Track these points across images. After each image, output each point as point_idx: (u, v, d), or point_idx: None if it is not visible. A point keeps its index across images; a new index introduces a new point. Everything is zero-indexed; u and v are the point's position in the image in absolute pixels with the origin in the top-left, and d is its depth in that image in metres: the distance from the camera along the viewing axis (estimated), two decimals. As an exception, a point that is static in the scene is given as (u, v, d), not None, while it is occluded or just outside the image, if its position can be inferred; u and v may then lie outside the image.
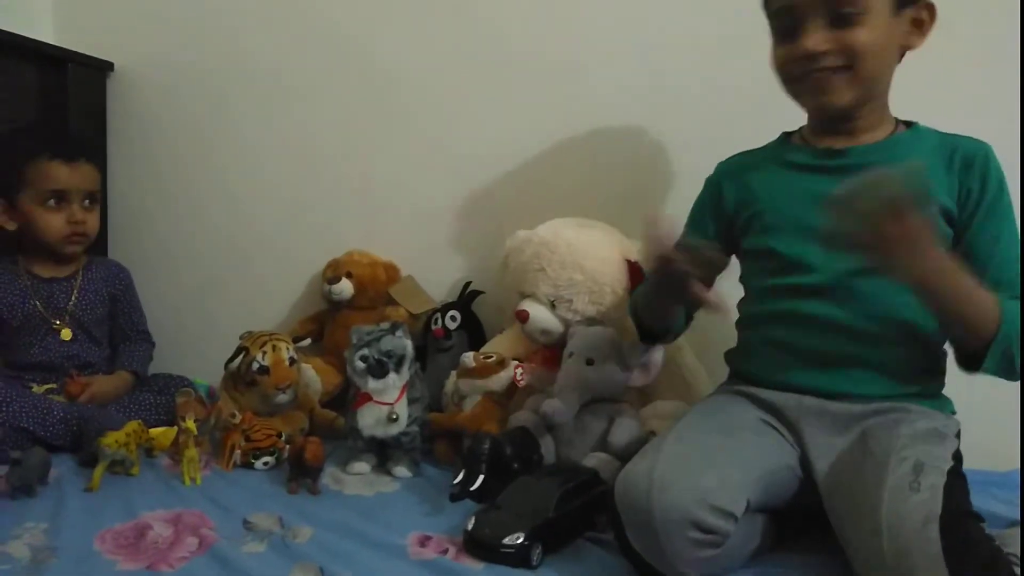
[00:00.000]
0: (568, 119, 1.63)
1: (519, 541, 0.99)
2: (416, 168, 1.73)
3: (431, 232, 1.74)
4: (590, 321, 1.36)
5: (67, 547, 0.99)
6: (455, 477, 1.17)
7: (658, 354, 1.27)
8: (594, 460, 1.21)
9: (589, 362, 1.26)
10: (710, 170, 1.26)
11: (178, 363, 1.75)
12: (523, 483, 1.10)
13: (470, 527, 1.03)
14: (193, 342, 1.83)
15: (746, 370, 1.17)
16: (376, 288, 1.68)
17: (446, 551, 1.03)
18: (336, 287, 1.65)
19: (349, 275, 1.67)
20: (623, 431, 1.24)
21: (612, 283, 1.36)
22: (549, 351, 1.44)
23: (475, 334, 1.65)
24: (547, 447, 1.28)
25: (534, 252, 1.40)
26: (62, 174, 1.48)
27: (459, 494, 1.14)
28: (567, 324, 1.39)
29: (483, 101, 1.67)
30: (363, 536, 1.06)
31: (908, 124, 1.13)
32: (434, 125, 1.70)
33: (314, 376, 1.60)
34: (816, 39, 1.03)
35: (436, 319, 1.64)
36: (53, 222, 1.49)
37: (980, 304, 0.95)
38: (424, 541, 1.06)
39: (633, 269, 1.36)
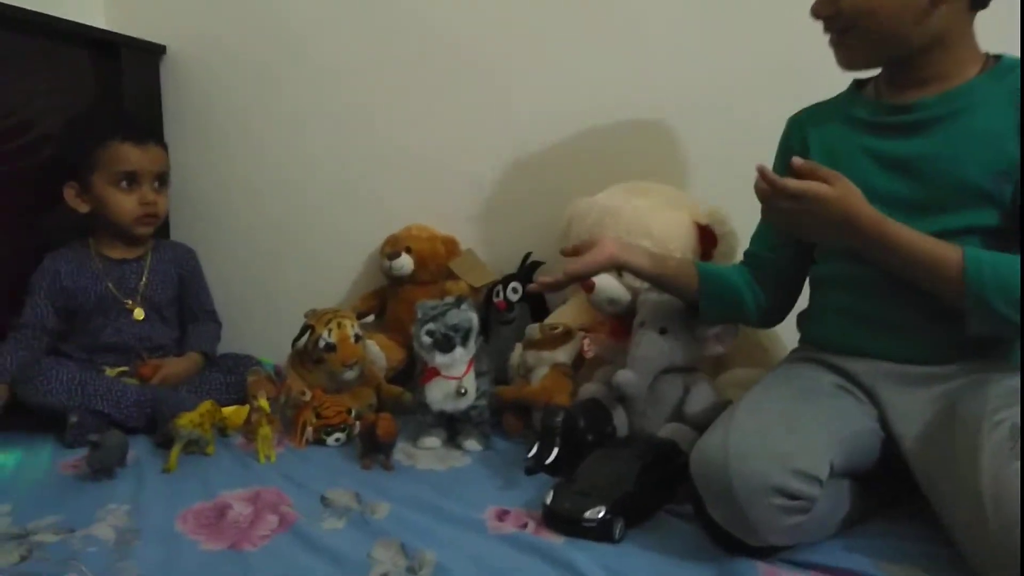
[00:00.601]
0: (629, 83, 1.57)
1: (601, 515, 0.96)
2: (472, 138, 1.69)
3: (489, 204, 1.71)
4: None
5: (150, 528, 1.00)
6: (528, 450, 1.15)
7: (731, 325, 1.22)
8: (670, 430, 1.18)
9: (662, 331, 1.22)
10: (778, 128, 1.19)
11: (240, 343, 1.76)
12: (601, 456, 1.07)
13: (549, 501, 1.01)
14: (254, 322, 1.84)
15: (816, 335, 1.12)
16: (436, 262, 1.66)
17: (525, 525, 1.01)
18: (396, 262, 1.64)
19: (408, 250, 1.65)
20: (699, 400, 1.20)
21: (682, 248, 1.31)
22: (616, 321, 1.40)
23: (537, 306, 1.62)
24: (619, 419, 1.24)
25: (597, 219, 1.36)
26: (133, 156, 1.50)
27: (534, 468, 1.12)
28: (635, 292, 1.34)
29: (541, 66, 1.63)
30: (440, 511, 1.05)
31: (998, 58, 1.03)
32: (490, 93, 1.67)
33: (379, 352, 1.59)
34: (818, 5, 1.02)
35: (497, 291, 1.61)
36: (125, 203, 1.51)
37: (935, 262, 0.92)
38: (502, 515, 1.05)
39: (703, 233, 1.31)
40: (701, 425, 1.18)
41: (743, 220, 1.28)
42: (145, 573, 0.88)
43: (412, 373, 1.64)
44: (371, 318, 1.65)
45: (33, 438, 1.35)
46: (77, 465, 1.22)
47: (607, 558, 0.92)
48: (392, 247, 1.67)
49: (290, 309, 1.61)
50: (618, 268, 1.19)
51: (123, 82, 1.73)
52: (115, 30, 1.74)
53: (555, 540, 0.97)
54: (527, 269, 1.63)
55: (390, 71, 1.71)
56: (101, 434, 1.17)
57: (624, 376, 1.19)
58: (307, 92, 1.77)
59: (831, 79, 1.10)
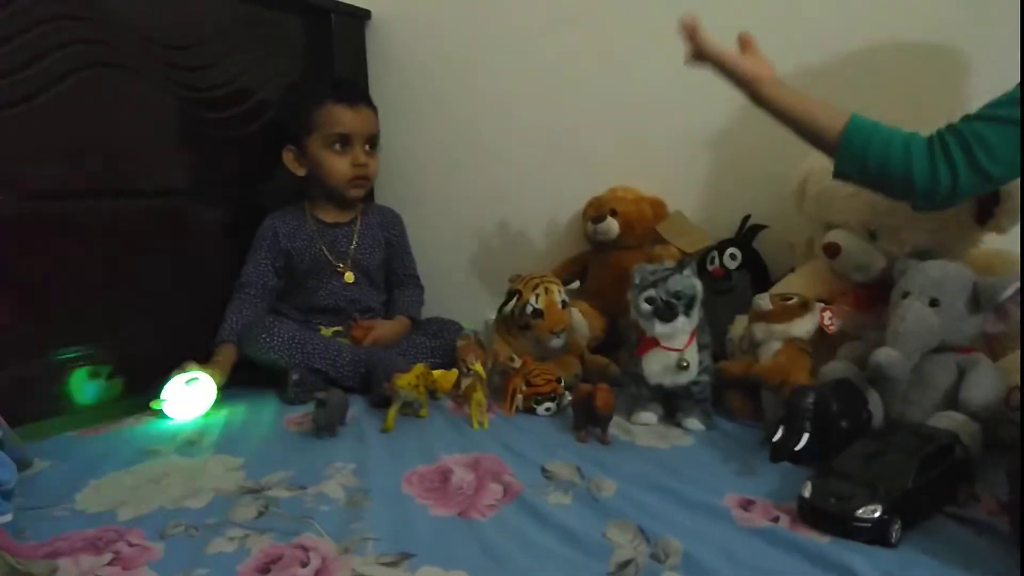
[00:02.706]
0: (874, 22, 1.37)
1: (876, 515, 0.82)
2: (682, 90, 1.54)
3: (700, 161, 1.57)
4: (922, 254, 1.13)
5: (378, 489, 0.98)
6: (766, 433, 1.03)
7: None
8: (945, 421, 1.00)
9: (933, 303, 1.04)
10: None
11: (440, 308, 1.75)
12: (867, 446, 0.93)
13: (807, 494, 0.88)
14: (455, 287, 1.83)
15: None
16: (643, 226, 1.55)
17: (777, 519, 0.89)
18: (601, 226, 1.55)
19: (614, 213, 1.55)
20: (980, 386, 1.02)
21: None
22: (862, 291, 1.24)
23: (759, 274, 1.47)
24: (873, 404, 1.08)
25: (847, 175, 1.19)
26: (346, 117, 1.51)
27: (780, 454, 0.99)
28: (890, 257, 1.17)
29: (759, 5, 1.45)
30: (675, 494, 0.96)
31: None
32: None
33: (582, 320, 1.52)
34: None
35: (712, 258, 1.48)
36: (339, 165, 1.52)
37: (820, 116, 1.05)
38: (746, 505, 0.93)
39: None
40: (983, 415, 1.01)
41: None
42: (381, 537, 0.85)
43: (614, 343, 1.56)
44: (576, 284, 1.57)
45: (256, 394, 1.40)
46: (301, 422, 1.25)
47: (888, 564, 0.79)
48: (596, 210, 1.58)
49: (490, 275, 1.57)
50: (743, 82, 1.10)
51: (333, 48, 1.75)
52: (323, -5, 1.76)
53: (819, 539, 0.84)
54: (746, 233, 1.48)
55: (596, 20, 1.61)
56: (326, 391, 1.17)
57: (886, 355, 1.03)
58: (509, 51, 1.71)
59: None
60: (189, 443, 1.18)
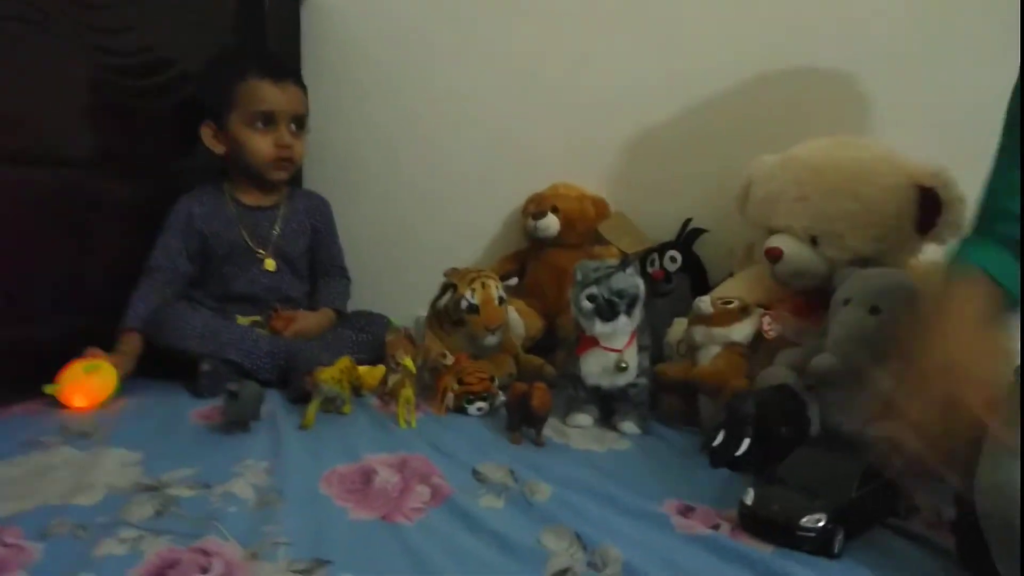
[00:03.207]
0: (821, 22, 1.37)
1: (820, 524, 0.79)
2: (629, 90, 1.53)
3: (644, 163, 1.55)
4: (864, 261, 1.12)
5: (293, 489, 0.90)
6: (710, 438, 0.99)
7: (964, 303, 1.02)
8: (887, 430, 0.99)
9: (874, 310, 1.03)
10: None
11: (368, 302, 1.66)
12: (809, 454, 0.90)
13: (749, 501, 0.85)
14: (386, 281, 1.74)
15: None
16: (585, 224, 1.52)
17: (717, 526, 0.86)
18: (542, 223, 1.50)
19: (555, 210, 1.51)
20: (918, 395, 1.01)
21: (898, 215, 1.11)
22: (801, 298, 1.22)
23: (698, 278, 1.45)
24: (811, 411, 1.07)
25: (793, 178, 1.18)
26: (270, 94, 1.40)
27: (720, 459, 0.96)
28: (831, 264, 1.16)
29: (714, 8, 1.44)
30: (612, 499, 0.91)
31: None
32: (650, 37, 1.50)
33: (518, 319, 1.47)
34: None
35: (653, 260, 1.45)
36: (261, 145, 1.42)
37: None
38: (686, 512, 0.89)
39: (926, 197, 1.10)
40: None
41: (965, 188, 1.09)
42: (294, 541, 0.77)
43: (550, 345, 1.51)
44: (514, 281, 1.52)
45: (164, 386, 1.29)
46: (210, 416, 1.14)
47: (831, 575, 0.76)
48: (537, 206, 1.53)
49: (422, 269, 1.49)
50: None
51: (266, 23, 1.65)
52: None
53: (761, 548, 0.80)
54: (687, 236, 1.46)
55: (547, 13, 1.57)
56: (239, 384, 1.08)
57: (824, 360, 1.01)
58: (456, 40, 1.65)
59: None
60: (83, 435, 1.07)
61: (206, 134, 1.43)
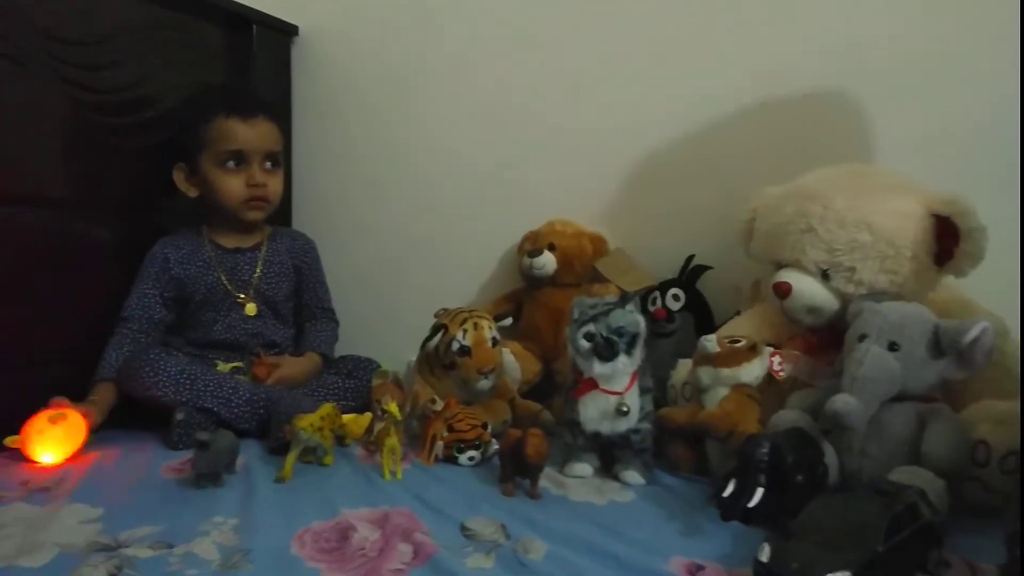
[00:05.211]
0: (825, 51, 1.33)
1: (845, 582, 0.71)
2: (626, 123, 1.49)
3: (644, 198, 1.50)
4: (878, 295, 1.06)
5: (262, 549, 0.82)
6: (720, 488, 0.91)
7: (988, 337, 0.95)
8: (909, 476, 0.90)
9: (892, 347, 0.96)
10: None
11: (357, 346, 1.59)
12: (828, 503, 0.82)
13: (765, 558, 0.76)
14: (373, 324, 1.68)
15: None
16: (582, 262, 1.46)
17: (730, 587, 0.77)
18: (538, 260, 1.44)
19: (552, 247, 1.45)
20: (943, 438, 0.93)
21: (913, 246, 1.05)
22: (812, 335, 1.15)
23: (702, 317, 1.38)
24: (829, 456, 0.99)
25: (799, 209, 1.11)
26: (239, 132, 1.35)
27: (731, 511, 0.88)
28: (844, 299, 1.09)
29: (722, 34, 1.40)
30: (613, 557, 0.82)
31: None
32: (647, 68, 1.46)
33: (513, 362, 1.39)
34: None
35: (654, 298, 1.39)
36: (232, 185, 1.36)
37: None
38: (694, 570, 0.81)
39: (942, 227, 1.04)
40: (947, 471, 0.92)
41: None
42: (255, 609, 0.69)
43: (548, 390, 1.44)
44: (508, 320, 1.45)
45: (137, 437, 1.21)
46: (181, 468, 1.07)
47: (859, 643, 0.67)
48: (533, 244, 1.47)
49: (412, 312, 1.43)
50: None
51: (254, 62, 1.62)
52: (249, 4, 1.64)
53: (780, 611, 0.72)
54: (690, 274, 1.40)
55: (535, 46, 1.53)
56: (211, 434, 1.01)
57: (844, 402, 0.93)
58: (446, 77, 1.62)
59: None
60: (43, 489, 0.99)
61: (178, 177, 1.38)
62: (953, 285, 1.13)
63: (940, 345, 0.96)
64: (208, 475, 0.99)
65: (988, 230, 1.03)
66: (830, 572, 0.72)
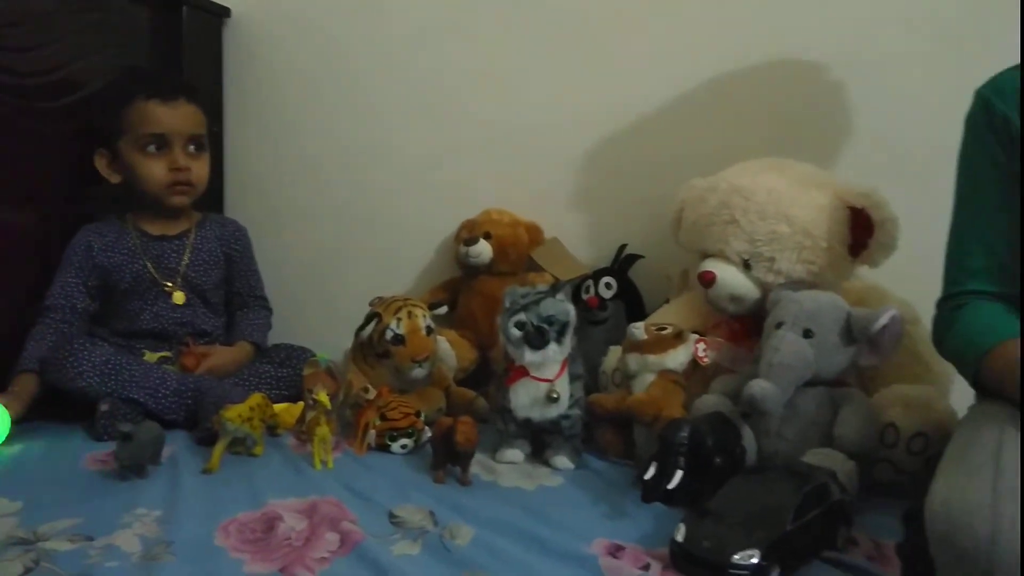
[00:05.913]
0: (752, 51, 1.37)
1: (753, 560, 0.74)
2: (562, 115, 1.50)
3: (578, 188, 1.52)
4: (796, 284, 1.10)
5: (184, 540, 0.81)
6: (643, 471, 0.94)
7: (897, 324, 0.99)
8: (820, 457, 0.95)
9: (807, 334, 1.00)
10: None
11: (292, 335, 1.57)
12: (742, 484, 0.86)
13: (680, 538, 0.79)
14: (309, 312, 1.67)
15: None
16: (518, 251, 1.47)
17: (647, 566, 0.80)
18: (473, 249, 1.45)
19: (487, 236, 1.46)
20: (853, 422, 0.98)
21: (828, 236, 1.09)
22: (736, 323, 1.19)
23: (634, 305, 1.41)
24: (747, 439, 1.02)
25: (722, 201, 1.15)
26: (160, 115, 1.31)
27: (653, 494, 0.91)
28: (765, 288, 1.13)
29: (649, 26, 1.43)
30: (539, 541, 0.84)
31: None
32: (583, 63, 1.47)
33: (449, 350, 1.40)
34: None
35: (587, 287, 1.41)
36: (154, 170, 1.33)
37: None
38: (615, 551, 0.83)
39: (857, 218, 1.08)
40: (857, 452, 0.96)
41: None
42: (175, 601, 0.69)
43: (484, 377, 1.45)
44: (444, 309, 1.46)
45: (60, 429, 1.18)
46: (106, 460, 1.05)
47: (766, 617, 0.71)
48: (469, 232, 1.48)
49: (349, 300, 1.43)
50: None
51: (184, 44, 1.58)
52: (178, -13, 1.60)
53: (693, 588, 0.75)
54: (622, 263, 1.43)
55: (472, 38, 1.54)
56: (134, 425, 0.99)
57: (760, 386, 0.96)
58: (384, 62, 1.60)
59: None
60: (-41, 484, 0.96)
61: (100, 163, 1.35)
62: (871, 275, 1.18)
63: (852, 332, 1.01)
64: (131, 467, 0.98)
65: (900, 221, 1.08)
66: (740, 550, 0.75)
